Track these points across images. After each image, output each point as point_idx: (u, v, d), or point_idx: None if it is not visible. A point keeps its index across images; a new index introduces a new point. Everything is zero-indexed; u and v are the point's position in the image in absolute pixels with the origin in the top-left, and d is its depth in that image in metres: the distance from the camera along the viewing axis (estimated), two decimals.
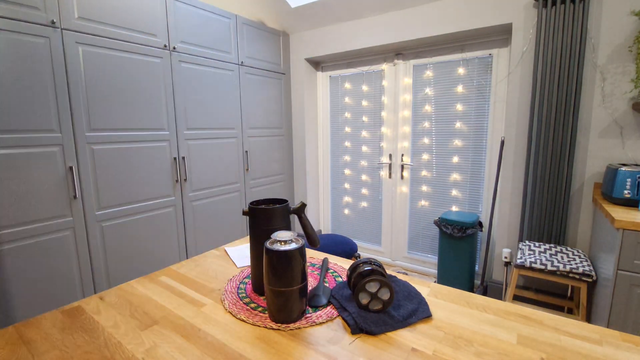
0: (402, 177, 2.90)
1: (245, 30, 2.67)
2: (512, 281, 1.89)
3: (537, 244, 2.02)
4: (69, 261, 1.79)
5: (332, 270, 1.04)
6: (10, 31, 1.53)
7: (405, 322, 0.75)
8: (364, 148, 3.10)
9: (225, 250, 1.23)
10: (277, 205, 0.86)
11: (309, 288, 0.92)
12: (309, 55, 3.08)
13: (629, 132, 1.86)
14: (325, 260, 1.06)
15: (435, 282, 2.55)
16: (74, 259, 1.81)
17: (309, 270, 1.05)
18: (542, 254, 1.87)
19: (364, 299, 0.77)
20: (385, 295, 0.77)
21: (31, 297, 1.66)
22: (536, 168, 2.06)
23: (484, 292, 2.37)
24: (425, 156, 2.76)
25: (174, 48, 2.17)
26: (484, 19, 2.19)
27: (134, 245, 2.06)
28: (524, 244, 2.03)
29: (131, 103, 1.98)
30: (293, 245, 0.73)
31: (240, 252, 1.20)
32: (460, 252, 2.35)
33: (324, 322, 0.77)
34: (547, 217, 2.05)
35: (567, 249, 1.93)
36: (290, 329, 0.74)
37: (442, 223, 2.39)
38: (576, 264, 1.74)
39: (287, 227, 0.87)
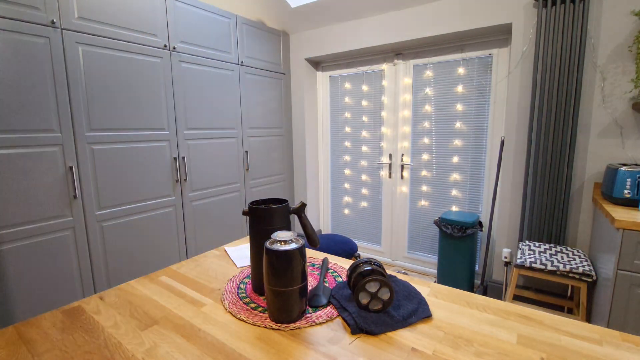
0: (402, 177, 2.90)
1: (245, 30, 2.67)
2: (512, 281, 1.89)
3: (537, 243, 2.02)
4: (69, 261, 1.79)
5: (332, 270, 1.04)
6: (10, 31, 1.53)
7: (405, 322, 0.75)
8: (364, 148, 3.10)
9: (225, 250, 1.23)
10: (277, 205, 0.86)
11: (309, 288, 0.92)
12: (309, 55, 3.08)
13: (629, 132, 1.86)
14: (325, 260, 1.06)
15: (435, 282, 2.55)
16: (74, 259, 1.81)
17: (309, 270, 1.05)
18: (542, 254, 1.87)
19: (364, 299, 0.77)
20: (385, 295, 0.77)
21: (31, 297, 1.66)
22: (536, 168, 2.06)
23: (484, 292, 2.37)
24: (425, 156, 2.76)
25: (174, 48, 2.17)
26: (484, 19, 2.19)
27: (134, 245, 2.06)
28: (524, 243, 2.03)
29: (131, 103, 1.98)
30: (293, 245, 0.73)
31: (240, 252, 1.20)
32: (460, 252, 2.35)
33: (324, 322, 0.77)
34: (547, 217, 2.05)
35: (567, 249, 1.93)
36: (290, 329, 0.74)
37: (442, 223, 2.39)
38: (576, 263, 1.74)
39: (287, 227, 0.87)
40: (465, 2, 2.24)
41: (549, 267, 1.74)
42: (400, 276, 0.97)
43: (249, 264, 1.10)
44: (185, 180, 2.31)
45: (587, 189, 2.01)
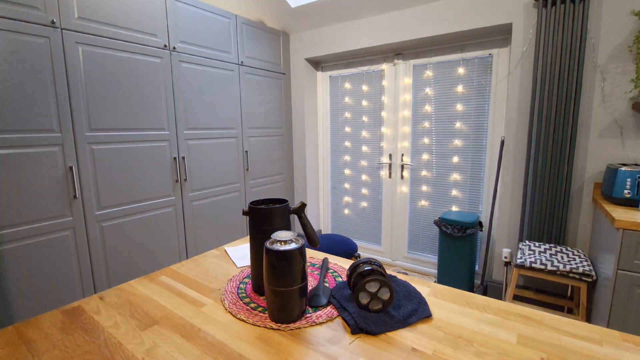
0: (402, 177, 2.90)
1: (245, 30, 2.67)
2: (512, 281, 1.89)
3: (537, 243, 2.02)
4: (69, 261, 1.79)
5: (332, 270, 1.04)
6: (10, 31, 1.53)
7: (405, 322, 0.75)
8: (364, 148, 3.10)
9: (225, 250, 1.23)
10: (277, 205, 0.86)
11: (309, 288, 0.92)
12: (309, 55, 3.08)
13: (629, 132, 1.86)
14: (325, 260, 1.06)
15: (435, 282, 2.55)
16: (74, 259, 1.81)
17: (309, 270, 1.05)
18: (542, 254, 1.87)
19: (364, 299, 0.77)
20: (385, 295, 0.77)
21: (31, 297, 1.66)
22: (536, 168, 2.06)
23: (484, 292, 2.37)
24: (425, 156, 2.76)
25: (174, 48, 2.17)
26: (484, 19, 2.19)
27: (134, 245, 2.06)
28: (524, 243, 2.03)
29: (131, 103, 1.98)
30: (293, 245, 0.73)
31: (240, 252, 1.20)
32: (460, 252, 2.35)
33: (324, 322, 0.77)
34: (547, 217, 2.05)
35: (567, 249, 1.93)
36: (290, 329, 0.74)
37: (442, 223, 2.39)
38: (576, 263, 1.74)
39: (287, 227, 0.87)
40: (465, 2, 2.24)
41: (549, 267, 1.74)
42: (400, 276, 0.97)
43: (249, 264, 1.10)
44: (185, 180, 2.31)
45: (587, 189, 2.01)
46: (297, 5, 2.80)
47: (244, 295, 0.88)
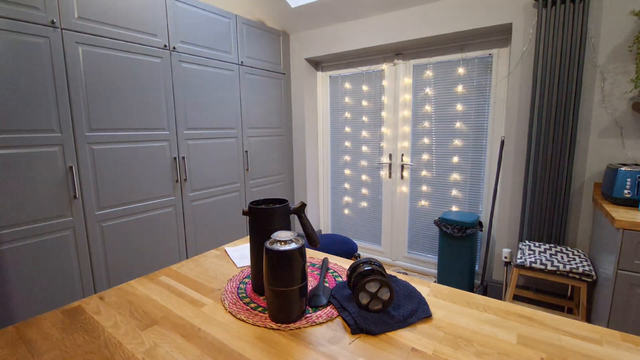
0: (402, 177, 2.90)
1: (245, 30, 2.67)
2: (512, 281, 1.89)
3: (537, 243, 2.02)
4: (69, 261, 1.79)
5: (332, 270, 1.04)
6: (10, 31, 1.53)
7: (405, 322, 0.75)
8: (364, 148, 3.10)
9: (225, 250, 1.23)
10: (277, 205, 0.86)
11: (309, 288, 0.92)
12: (309, 55, 3.08)
13: (629, 132, 1.86)
14: (325, 260, 1.06)
15: (435, 282, 2.55)
16: (74, 259, 1.81)
17: (309, 270, 1.05)
18: (542, 254, 1.87)
19: (364, 299, 0.77)
20: (385, 295, 0.77)
21: (31, 297, 1.66)
22: (536, 168, 2.06)
23: (484, 292, 2.37)
24: (425, 156, 2.76)
25: (174, 48, 2.17)
26: (484, 19, 2.19)
27: (134, 245, 2.06)
28: (524, 243, 2.03)
29: (131, 103, 1.98)
30: (293, 245, 0.73)
31: (240, 252, 1.20)
32: (460, 252, 2.35)
33: (324, 322, 0.77)
34: (547, 217, 2.05)
35: (567, 249, 1.93)
36: (290, 329, 0.74)
37: (442, 223, 2.39)
38: (576, 263, 1.74)
39: (287, 227, 0.87)
40: (465, 2, 2.24)
41: (549, 267, 1.74)
42: (400, 276, 0.97)
43: (249, 264, 1.10)
44: (185, 180, 2.31)
45: (587, 189, 2.01)
46: (297, 5, 2.80)
47: (244, 295, 0.88)
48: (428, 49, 2.64)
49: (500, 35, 2.32)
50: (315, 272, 1.03)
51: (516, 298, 2.26)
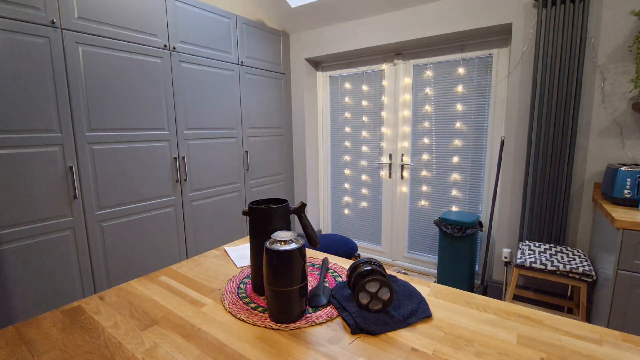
0: (402, 177, 2.90)
1: (245, 30, 2.67)
2: (512, 281, 1.89)
3: (537, 243, 2.02)
4: (69, 261, 1.79)
5: (332, 270, 1.04)
6: (10, 31, 1.53)
7: (405, 322, 0.75)
8: (364, 148, 3.10)
9: (225, 250, 1.23)
10: (277, 205, 0.86)
11: (309, 288, 0.92)
12: (309, 55, 3.08)
13: (629, 132, 1.86)
14: (325, 260, 1.06)
15: (435, 282, 2.55)
16: (74, 259, 1.81)
17: (309, 270, 1.05)
18: (542, 254, 1.87)
19: (364, 299, 0.77)
20: (385, 295, 0.77)
21: (31, 297, 1.66)
22: (536, 168, 2.06)
23: (484, 292, 2.37)
24: (425, 156, 2.76)
25: (174, 48, 2.17)
26: (484, 19, 2.19)
27: (134, 245, 2.06)
28: (524, 243, 2.03)
29: (131, 103, 1.98)
30: (293, 245, 0.73)
31: (240, 252, 1.20)
32: (460, 252, 2.35)
33: (324, 322, 0.77)
34: (547, 217, 2.05)
35: (567, 249, 1.93)
36: (290, 329, 0.74)
37: (442, 223, 2.39)
38: (576, 263, 1.74)
39: (287, 227, 0.87)
40: (465, 2, 2.24)
41: (549, 267, 1.74)
42: (400, 276, 0.97)
43: (249, 264, 1.10)
44: (185, 180, 2.31)
45: (587, 189, 2.01)
46: (297, 5, 2.80)
47: (244, 295, 0.88)
48: (428, 49, 2.64)
49: (500, 35, 2.32)
50: (315, 272, 1.03)
51: (516, 298, 2.27)
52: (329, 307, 0.82)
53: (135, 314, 0.80)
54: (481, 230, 2.44)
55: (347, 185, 3.29)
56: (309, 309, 0.81)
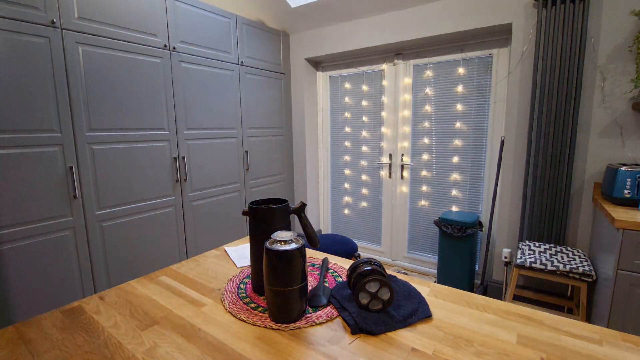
0: (402, 177, 2.90)
1: (245, 30, 2.67)
2: (512, 281, 1.89)
3: (537, 243, 2.02)
4: (69, 261, 1.79)
5: (332, 270, 1.04)
6: (10, 31, 1.53)
7: (405, 322, 0.75)
8: (364, 148, 3.10)
9: (225, 250, 1.23)
10: (277, 205, 0.86)
11: (309, 288, 0.92)
12: (309, 55, 3.08)
13: (629, 132, 1.86)
14: (325, 260, 1.06)
15: (435, 282, 2.55)
16: (74, 259, 1.81)
17: (309, 270, 1.05)
18: (542, 254, 1.87)
19: (364, 299, 0.77)
20: (385, 295, 0.77)
21: (31, 297, 1.66)
22: (536, 168, 2.06)
23: (484, 292, 2.37)
24: (425, 156, 2.76)
25: (174, 48, 2.17)
26: (484, 19, 2.19)
27: (134, 245, 2.06)
28: (524, 243, 2.03)
29: (131, 103, 1.98)
30: (293, 245, 0.73)
31: (240, 252, 1.20)
32: (460, 252, 2.35)
33: (324, 322, 0.77)
34: (547, 217, 2.05)
35: (567, 249, 1.93)
36: (290, 329, 0.74)
37: (442, 223, 2.39)
38: (576, 263, 1.74)
39: (287, 227, 0.87)
40: (465, 2, 2.24)
41: (549, 267, 1.74)
42: (400, 276, 0.97)
43: (249, 264, 1.10)
44: (185, 180, 2.31)
45: (587, 189, 2.01)
46: (297, 5, 2.80)
47: (244, 295, 0.88)
48: (428, 49, 2.64)
49: (500, 35, 2.32)
50: (315, 272, 1.03)
51: (516, 298, 2.26)
52: (329, 307, 0.82)
53: (135, 314, 0.80)
54: (481, 230, 2.44)
55: (347, 185, 3.29)
56: (309, 309, 0.81)
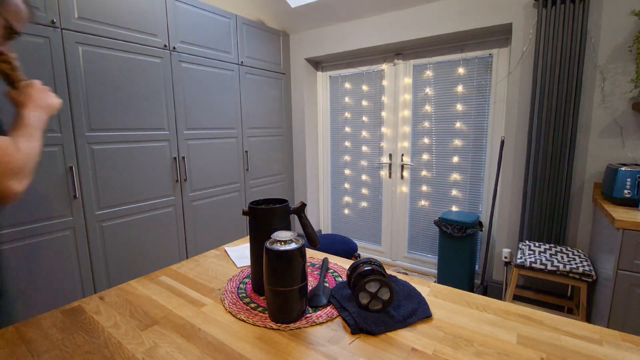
0: (402, 177, 2.90)
1: (245, 30, 2.67)
2: (512, 281, 1.89)
3: (537, 243, 2.02)
4: (69, 261, 1.79)
5: (332, 270, 1.04)
6: None
7: (405, 322, 0.75)
8: (364, 148, 3.10)
9: (225, 250, 1.23)
10: (277, 205, 0.86)
11: (309, 288, 0.92)
12: (309, 55, 3.08)
13: (629, 132, 1.86)
14: (325, 260, 1.06)
15: (435, 282, 2.55)
16: (74, 259, 1.81)
17: (309, 270, 1.05)
18: (542, 254, 1.87)
19: (364, 299, 0.77)
20: (385, 295, 0.77)
21: (31, 297, 1.66)
22: (536, 168, 2.06)
23: (484, 292, 2.37)
24: (425, 156, 2.76)
25: (174, 48, 2.17)
26: (484, 19, 2.19)
27: (134, 245, 2.06)
28: (524, 243, 2.03)
29: (131, 103, 1.98)
30: (293, 245, 0.73)
31: (240, 252, 1.20)
32: (460, 252, 2.35)
33: (324, 322, 0.77)
34: (547, 217, 2.05)
35: (567, 249, 1.93)
36: (290, 329, 0.74)
37: (442, 223, 2.39)
38: (576, 263, 1.74)
39: (287, 227, 0.87)
40: (465, 2, 2.24)
41: (549, 267, 1.74)
42: (400, 276, 0.97)
43: (249, 264, 1.10)
44: (185, 180, 2.31)
45: (587, 189, 2.01)
46: (297, 5, 2.80)
47: (244, 295, 0.88)
48: (428, 49, 2.64)
49: (500, 35, 2.32)
50: (315, 272, 1.03)
51: (516, 298, 2.26)
52: (329, 307, 0.82)
53: (135, 314, 0.80)
54: (481, 230, 2.44)
55: (347, 185, 3.29)
56: (309, 309, 0.81)
